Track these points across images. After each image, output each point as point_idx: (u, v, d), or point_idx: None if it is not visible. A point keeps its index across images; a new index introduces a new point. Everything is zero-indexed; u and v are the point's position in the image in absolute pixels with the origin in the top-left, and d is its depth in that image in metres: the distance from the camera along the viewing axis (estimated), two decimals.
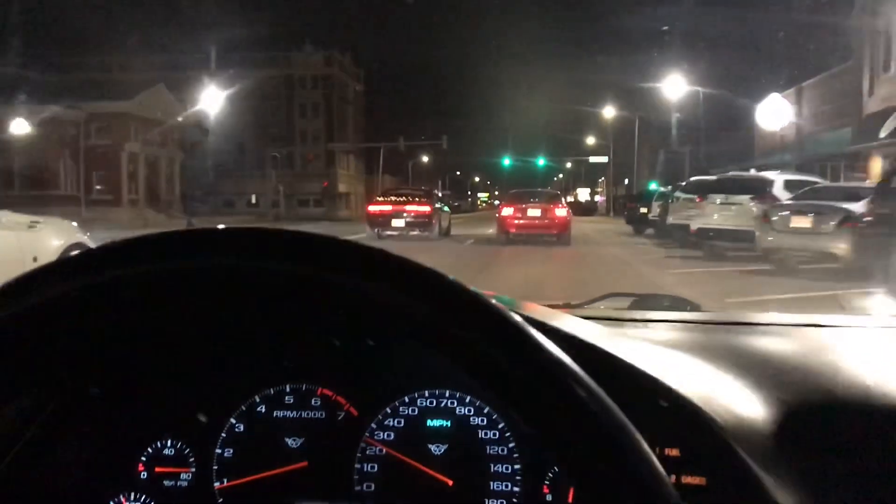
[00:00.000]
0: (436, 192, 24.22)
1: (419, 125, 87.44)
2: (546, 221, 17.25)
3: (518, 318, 0.50)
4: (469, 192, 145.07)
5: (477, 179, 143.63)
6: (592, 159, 59.03)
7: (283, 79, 64.60)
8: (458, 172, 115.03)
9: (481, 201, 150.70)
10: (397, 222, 18.53)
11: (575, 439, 0.47)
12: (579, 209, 66.67)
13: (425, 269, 0.51)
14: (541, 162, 60.38)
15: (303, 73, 64.42)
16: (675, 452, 0.70)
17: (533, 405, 0.48)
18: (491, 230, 20.42)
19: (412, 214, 18.51)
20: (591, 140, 61.07)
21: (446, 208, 22.92)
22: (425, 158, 78.69)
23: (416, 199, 19.22)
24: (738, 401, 0.75)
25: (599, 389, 0.48)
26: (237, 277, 0.53)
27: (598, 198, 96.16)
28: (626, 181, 67.12)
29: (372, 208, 19.27)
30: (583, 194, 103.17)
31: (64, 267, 0.53)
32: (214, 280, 0.53)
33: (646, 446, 0.46)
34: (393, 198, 19.62)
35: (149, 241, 0.53)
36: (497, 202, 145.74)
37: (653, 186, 29.72)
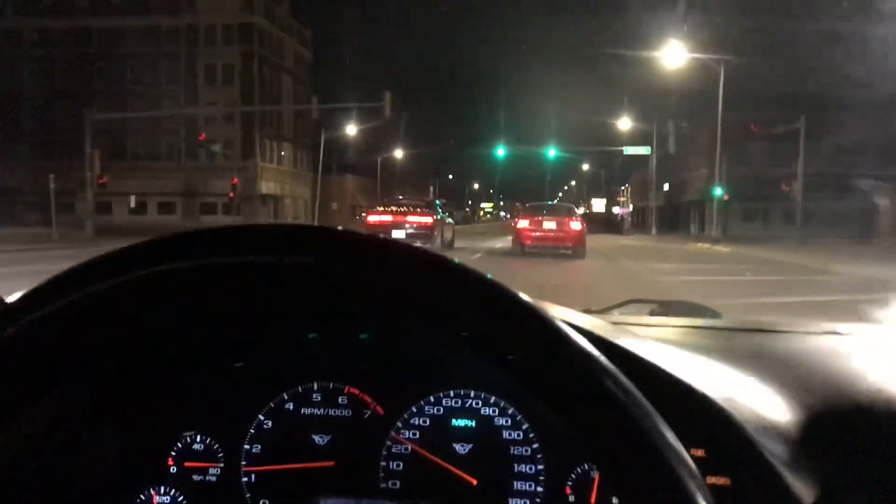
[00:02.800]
0: (439, 201, 23.01)
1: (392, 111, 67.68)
2: (561, 234, 17.54)
3: (550, 314, 0.51)
4: (469, 202, 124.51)
5: (476, 186, 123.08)
6: (629, 150, 38.53)
7: (185, 29, 43.92)
8: (451, 176, 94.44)
9: (484, 212, 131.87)
10: (398, 233, 17.78)
11: (607, 436, 0.48)
12: (599, 225, 47.29)
13: (457, 265, 0.52)
14: (551, 153, 39.91)
15: (211, 20, 43.75)
16: (700, 453, 0.70)
17: (566, 400, 0.49)
18: (499, 242, 22.71)
19: (413, 225, 18.21)
20: (623, 125, 40.27)
21: (450, 219, 22.24)
22: (399, 153, 58.12)
23: (418, 209, 18.95)
24: (761, 404, 0.77)
25: (631, 385, 0.49)
26: (270, 274, 0.53)
27: (618, 210, 75.27)
28: (667, 186, 46.19)
29: (371, 218, 19.12)
30: (598, 205, 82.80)
31: (96, 265, 0.54)
32: (248, 277, 0.54)
33: (678, 444, 0.47)
34: (394, 207, 19.29)
35: (182, 238, 0.54)
36: (503, 213, 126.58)
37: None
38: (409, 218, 18.47)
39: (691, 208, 46.88)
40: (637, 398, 0.48)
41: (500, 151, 42.66)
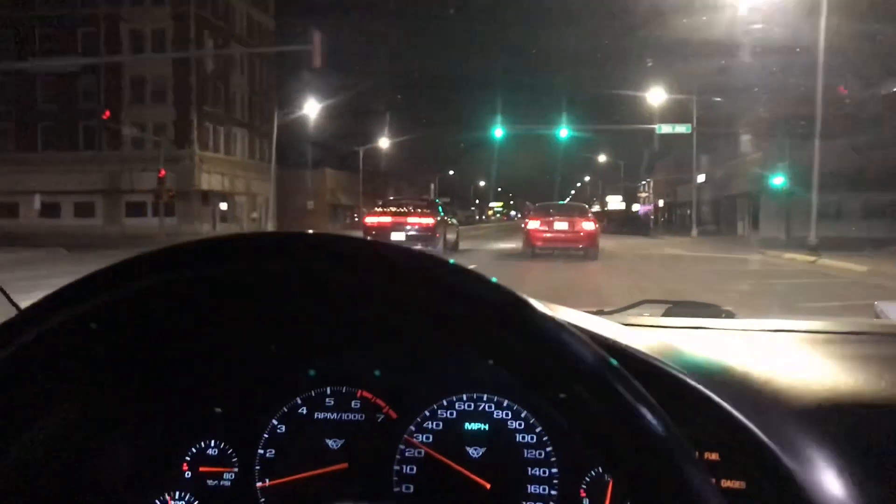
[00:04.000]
0: (439, 200, 22.87)
1: (379, 93, 58.26)
2: (573, 235, 16.73)
3: (562, 320, 0.51)
4: (476, 201, 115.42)
5: (482, 184, 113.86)
6: (663, 129, 29.38)
7: None
8: (452, 172, 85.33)
9: (493, 211, 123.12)
10: (397, 235, 17.22)
11: (620, 441, 0.48)
12: (619, 224, 40.13)
13: (465, 270, 0.52)
14: (563, 133, 30.88)
15: None
16: (714, 457, 0.71)
17: (577, 407, 0.49)
18: (509, 244, 21.97)
19: (414, 227, 17.43)
20: (654, 98, 30.95)
21: (454, 220, 21.99)
22: (384, 143, 49.20)
23: (418, 210, 18.26)
24: (777, 407, 0.77)
25: (644, 391, 0.49)
26: (284, 282, 0.54)
27: (639, 207, 65.81)
28: (702, 178, 36.88)
29: (369, 220, 18.26)
30: (614, 202, 73.47)
31: (116, 272, 0.55)
32: (261, 284, 0.55)
33: (691, 449, 0.48)
34: (392, 208, 18.69)
35: (197, 246, 0.55)
36: (513, 213, 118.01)
37: None
38: (410, 219, 17.62)
39: (739, 204, 37.51)
40: (650, 404, 0.48)
41: (498, 132, 33.67)
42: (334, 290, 0.54)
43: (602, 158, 69.36)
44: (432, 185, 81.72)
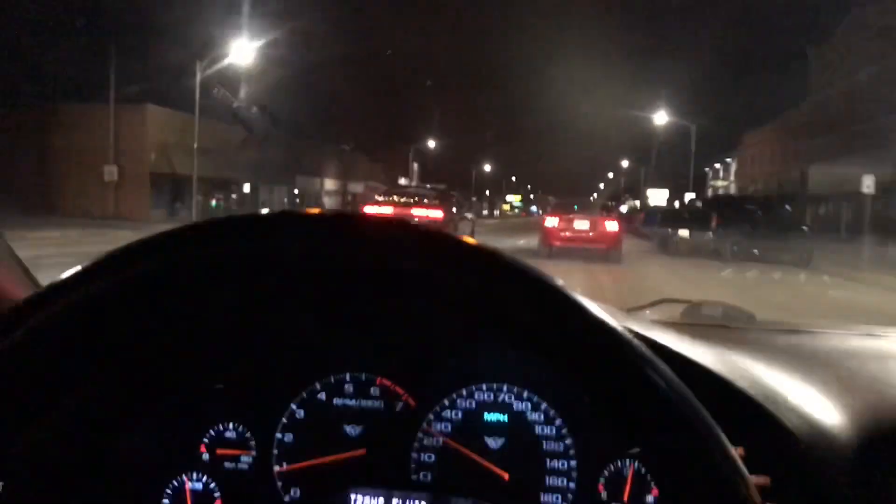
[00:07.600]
0: (430, 186, 20.54)
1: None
2: (595, 235, 16.16)
3: (595, 308, 0.51)
4: (487, 192, 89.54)
5: (487, 168, 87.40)
6: None
7: None
8: (432, 144, 59.04)
9: (511, 206, 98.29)
10: None
11: (656, 430, 0.48)
12: (750, 227, 16.38)
13: (501, 256, 0.52)
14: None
15: None
16: (740, 451, 0.71)
17: (611, 389, 0.49)
18: (522, 241, 20.84)
19: (423, 221, 15.25)
20: None
21: (469, 214, 20.75)
22: (245, 53, 22.34)
23: (426, 200, 16.63)
24: (803, 403, 0.77)
25: (681, 383, 0.49)
26: (307, 263, 0.53)
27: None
28: None
29: (369, 210, 16.06)
30: (656, 197, 46.67)
31: (133, 251, 0.54)
32: (284, 266, 0.54)
33: (728, 442, 0.48)
34: (395, 198, 16.96)
35: (220, 224, 0.55)
36: (534, 208, 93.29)
37: None
38: (415, 211, 15.97)
39: None
40: (684, 391, 0.48)
41: None
42: (367, 273, 0.52)
43: (661, 118, 42.26)
44: (415, 165, 55.86)
